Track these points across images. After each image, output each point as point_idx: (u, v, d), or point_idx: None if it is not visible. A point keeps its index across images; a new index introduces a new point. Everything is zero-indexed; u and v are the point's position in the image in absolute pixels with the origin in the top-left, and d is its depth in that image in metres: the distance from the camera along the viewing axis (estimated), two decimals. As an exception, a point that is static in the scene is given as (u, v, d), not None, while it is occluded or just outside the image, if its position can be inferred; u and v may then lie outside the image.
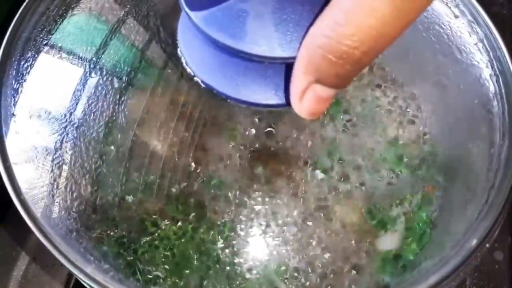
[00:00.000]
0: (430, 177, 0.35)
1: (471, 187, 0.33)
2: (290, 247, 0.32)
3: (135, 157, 0.34)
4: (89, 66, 0.35)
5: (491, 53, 0.35)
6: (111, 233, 0.32)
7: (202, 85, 0.24)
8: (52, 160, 0.32)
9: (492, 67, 0.35)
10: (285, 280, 0.31)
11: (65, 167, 0.32)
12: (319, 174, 0.34)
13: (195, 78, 0.24)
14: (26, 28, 0.35)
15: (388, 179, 0.35)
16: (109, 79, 0.35)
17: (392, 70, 0.38)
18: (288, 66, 0.22)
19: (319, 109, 0.21)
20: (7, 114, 0.33)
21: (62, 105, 0.34)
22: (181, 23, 0.25)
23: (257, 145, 0.35)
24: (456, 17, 0.37)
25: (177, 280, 0.31)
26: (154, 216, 0.33)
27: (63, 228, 0.30)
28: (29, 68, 0.34)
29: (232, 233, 0.32)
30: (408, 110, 0.37)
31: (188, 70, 0.25)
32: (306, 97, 0.21)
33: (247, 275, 0.31)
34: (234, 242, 0.32)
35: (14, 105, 0.33)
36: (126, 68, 0.35)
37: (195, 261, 0.32)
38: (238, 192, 0.33)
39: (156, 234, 0.32)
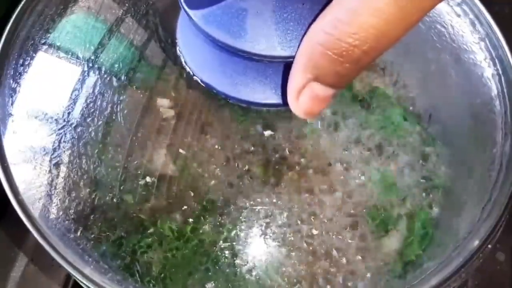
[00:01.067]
0: (432, 177, 0.35)
1: (473, 187, 0.33)
2: (290, 248, 0.32)
3: (134, 157, 0.34)
4: (88, 66, 0.35)
5: (493, 52, 0.35)
6: (110, 234, 0.32)
7: (202, 84, 0.24)
8: (50, 160, 0.32)
9: (494, 66, 0.35)
10: (284, 281, 0.31)
11: (63, 167, 0.32)
12: (320, 175, 0.34)
13: (195, 77, 0.24)
14: (24, 27, 0.35)
15: (390, 179, 0.34)
16: (108, 78, 0.35)
17: (393, 69, 0.38)
18: (288, 65, 0.21)
19: (316, 109, 0.21)
20: (5, 114, 0.33)
21: (60, 104, 0.33)
22: (180, 22, 0.25)
23: (257, 145, 0.35)
24: (458, 16, 0.36)
25: (176, 281, 0.31)
26: (153, 217, 0.33)
27: (61, 228, 0.30)
28: (27, 67, 0.34)
29: (232, 234, 0.32)
30: (409, 109, 0.37)
31: (187, 69, 0.24)
32: (303, 96, 0.20)
33: (247, 276, 0.31)
34: (233, 243, 0.32)
35: (12, 105, 0.33)
36: (124, 67, 0.35)
37: (194, 262, 0.32)
38: (237, 193, 0.33)
39: (155, 234, 0.32)
